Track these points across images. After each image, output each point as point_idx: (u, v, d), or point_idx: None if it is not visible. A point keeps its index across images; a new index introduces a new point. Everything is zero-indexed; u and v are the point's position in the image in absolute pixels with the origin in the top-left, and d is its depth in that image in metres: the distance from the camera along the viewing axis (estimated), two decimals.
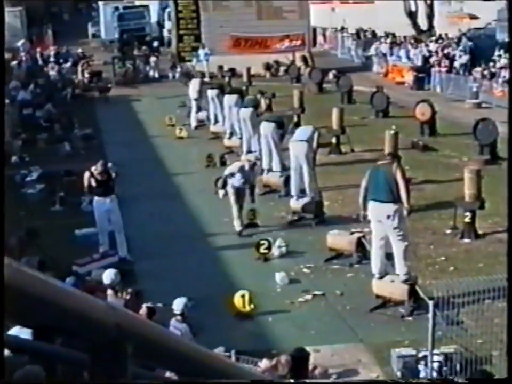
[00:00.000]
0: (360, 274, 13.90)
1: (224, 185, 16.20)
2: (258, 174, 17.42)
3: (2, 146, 19.26)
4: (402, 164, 19.45)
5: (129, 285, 11.93)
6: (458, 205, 16.11)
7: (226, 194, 16.21)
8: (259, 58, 38.87)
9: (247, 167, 16.07)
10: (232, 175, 16.01)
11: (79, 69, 37.06)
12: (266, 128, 19.11)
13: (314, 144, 17.12)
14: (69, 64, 38.02)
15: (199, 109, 26.97)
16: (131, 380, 1.74)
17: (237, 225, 16.08)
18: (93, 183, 14.95)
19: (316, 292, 13.37)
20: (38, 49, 42.64)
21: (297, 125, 25.66)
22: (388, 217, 12.31)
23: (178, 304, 10.92)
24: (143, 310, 10.84)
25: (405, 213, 12.52)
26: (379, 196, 12.55)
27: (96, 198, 15.08)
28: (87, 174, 15.08)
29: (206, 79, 31.74)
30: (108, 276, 11.49)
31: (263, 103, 24.83)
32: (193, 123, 27.02)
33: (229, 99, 22.99)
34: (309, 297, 13.24)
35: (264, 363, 9.74)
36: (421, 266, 14.06)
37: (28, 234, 13.66)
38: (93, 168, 15.12)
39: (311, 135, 17.09)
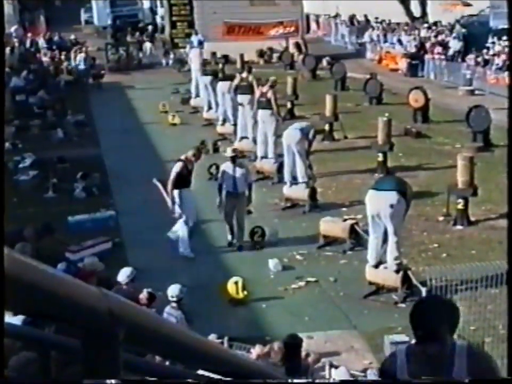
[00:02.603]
0: (354, 261, 13.93)
1: (220, 200, 15.00)
2: (248, 168, 15.97)
3: (2, 151, 19.25)
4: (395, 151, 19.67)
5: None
6: (451, 191, 16.13)
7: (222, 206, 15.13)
8: (252, 45, 38.79)
9: (231, 168, 14.95)
10: (223, 181, 15.03)
11: (72, 55, 36.92)
12: (263, 114, 19.17)
13: (310, 137, 17.10)
14: (82, 55, 35.59)
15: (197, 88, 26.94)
16: (122, 366, 1.74)
17: (228, 235, 15.20)
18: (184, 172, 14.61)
19: (309, 279, 13.40)
20: (29, 35, 42.39)
21: (291, 112, 25.72)
22: (391, 206, 12.26)
23: (173, 291, 10.90)
24: (144, 294, 10.81)
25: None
26: (382, 185, 12.59)
27: (184, 190, 14.65)
28: (180, 165, 14.66)
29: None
30: (124, 273, 11.42)
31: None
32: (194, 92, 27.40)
33: (222, 86, 22.95)
34: (302, 283, 13.27)
35: (256, 350, 9.76)
36: (414, 253, 14.10)
37: (44, 228, 13.75)
38: (184, 156, 14.92)
39: (305, 127, 17.11)
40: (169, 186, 14.63)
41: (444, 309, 4.14)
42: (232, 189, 14.88)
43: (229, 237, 15.11)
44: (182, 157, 14.91)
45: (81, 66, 34.53)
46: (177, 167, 14.68)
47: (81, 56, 35.14)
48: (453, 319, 4.22)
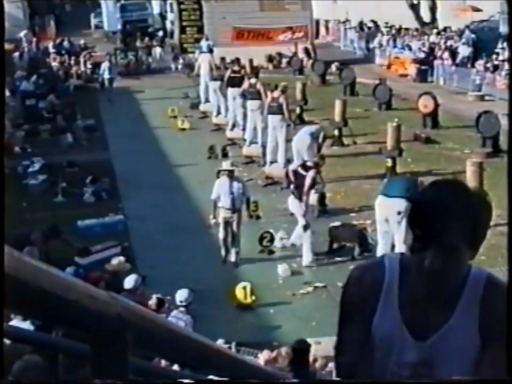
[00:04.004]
0: None
1: (215, 215, 14.39)
2: (245, 183, 15.23)
3: (2, 152, 19.27)
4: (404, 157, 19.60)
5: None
6: None
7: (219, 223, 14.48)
8: (262, 50, 38.78)
9: (226, 180, 14.29)
10: (219, 198, 14.26)
11: (82, 60, 36.98)
12: (274, 120, 19.18)
13: (320, 140, 17.11)
14: (107, 63, 33.45)
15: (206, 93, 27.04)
16: (131, 371, 1.74)
17: (222, 252, 14.57)
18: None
19: (318, 284, 13.39)
20: (34, 40, 42.44)
21: (300, 117, 25.69)
22: (399, 213, 12.33)
23: (182, 295, 10.92)
24: (153, 300, 10.84)
25: None
26: (391, 191, 12.67)
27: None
28: (315, 171, 14.63)
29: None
30: (130, 281, 11.43)
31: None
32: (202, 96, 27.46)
33: (233, 91, 22.97)
34: (310, 289, 13.26)
35: (264, 355, 9.75)
36: None
37: (51, 231, 13.80)
38: (313, 163, 14.91)
39: (315, 131, 17.12)
40: (306, 192, 14.43)
41: (464, 201, 2.49)
42: (229, 205, 14.23)
43: (223, 253, 14.54)
44: (310, 164, 14.88)
45: (106, 76, 32.79)
46: (312, 173, 14.55)
47: (105, 64, 33.41)
48: (478, 222, 2.48)
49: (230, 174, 14.34)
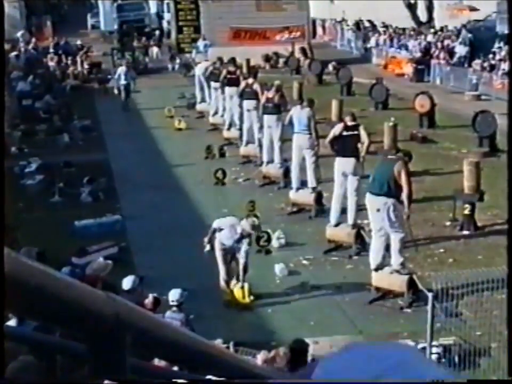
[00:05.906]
0: (359, 266, 13.91)
1: (210, 240, 12.87)
2: (249, 242, 12.95)
3: (3, 153, 19.25)
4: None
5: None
6: (458, 197, 16.11)
7: (212, 249, 12.90)
8: (258, 50, 38.83)
9: (238, 229, 12.61)
10: (220, 229, 12.79)
11: (78, 60, 36.95)
12: (270, 120, 19.17)
13: (313, 132, 17.05)
14: (123, 68, 30.75)
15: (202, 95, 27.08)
16: (129, 371, 1.74)
17: (223, 285, 13.00)
18: None
19: (315, 283, 13.38)
20: (33, 40, 42.43)
21: None
22: (378, 210, 12.48)
23: (174, 295, 10.91)
24: (149, 299, 10.83)
25: (404, 216, 12.60)
26: (373, 187, 12.81)
27: None
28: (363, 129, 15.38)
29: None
30: (128, 282, 11.40)
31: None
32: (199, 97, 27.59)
33: (230, 90, 22.98)
34: (308, 288, 13.26)
35: (262, 355, 9.74)
36: (420, 258, 14.08)
37: None
38: None
39: (308, 122, 17.05)
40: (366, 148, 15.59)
41: None
42: (228, 245, 12.80)
43: (222, 282, 12.92)
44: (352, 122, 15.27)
45: (122, 81, 30.09)
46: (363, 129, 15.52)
47: (121, 69, 30.65)
48: None
49: (248, 235, 12.79)
